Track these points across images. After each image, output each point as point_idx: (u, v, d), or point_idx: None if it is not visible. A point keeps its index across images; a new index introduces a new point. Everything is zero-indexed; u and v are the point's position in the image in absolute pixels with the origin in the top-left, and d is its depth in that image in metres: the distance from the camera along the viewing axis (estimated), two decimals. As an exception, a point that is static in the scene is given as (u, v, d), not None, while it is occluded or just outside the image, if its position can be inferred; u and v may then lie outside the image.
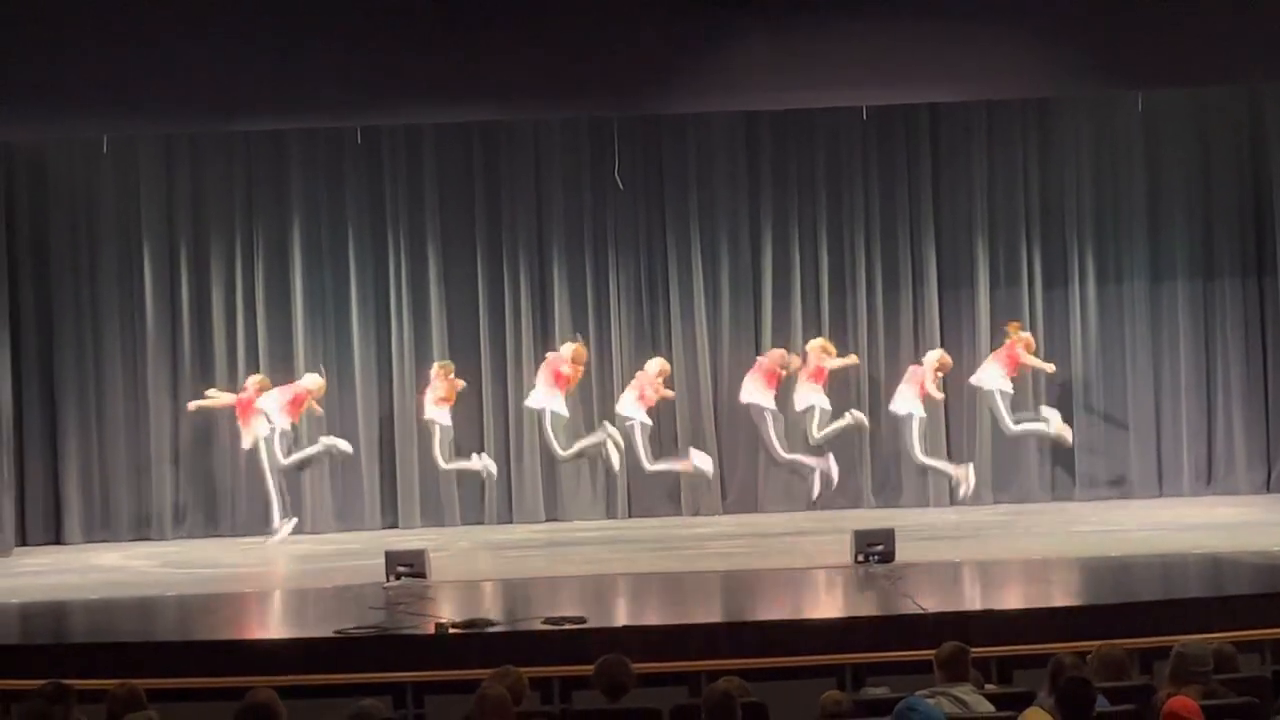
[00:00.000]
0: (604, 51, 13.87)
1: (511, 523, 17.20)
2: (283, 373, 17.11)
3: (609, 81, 14.10)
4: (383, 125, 16.65)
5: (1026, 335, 16.81)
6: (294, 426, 16.34)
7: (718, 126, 17.38)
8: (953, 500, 16.82)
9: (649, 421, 16.47)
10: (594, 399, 17.37)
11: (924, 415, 16.49)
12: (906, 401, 16.54)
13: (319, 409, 16.56)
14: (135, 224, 17.27)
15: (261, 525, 16.54)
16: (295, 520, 16.31)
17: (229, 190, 17.37)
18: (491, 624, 11.14)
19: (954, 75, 14.05)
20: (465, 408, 17.18)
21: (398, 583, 12.93)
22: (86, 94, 13.91)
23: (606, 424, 16.51)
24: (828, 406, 16.51)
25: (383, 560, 13.22)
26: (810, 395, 16.53)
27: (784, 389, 16.65)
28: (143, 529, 17.20)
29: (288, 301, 17.32)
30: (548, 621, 11.09)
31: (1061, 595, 12.22)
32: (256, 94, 13.93)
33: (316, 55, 13.79)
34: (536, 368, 17.05)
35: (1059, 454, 17.33)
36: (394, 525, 17.28)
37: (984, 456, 17.16)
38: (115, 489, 17.22)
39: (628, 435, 16.35)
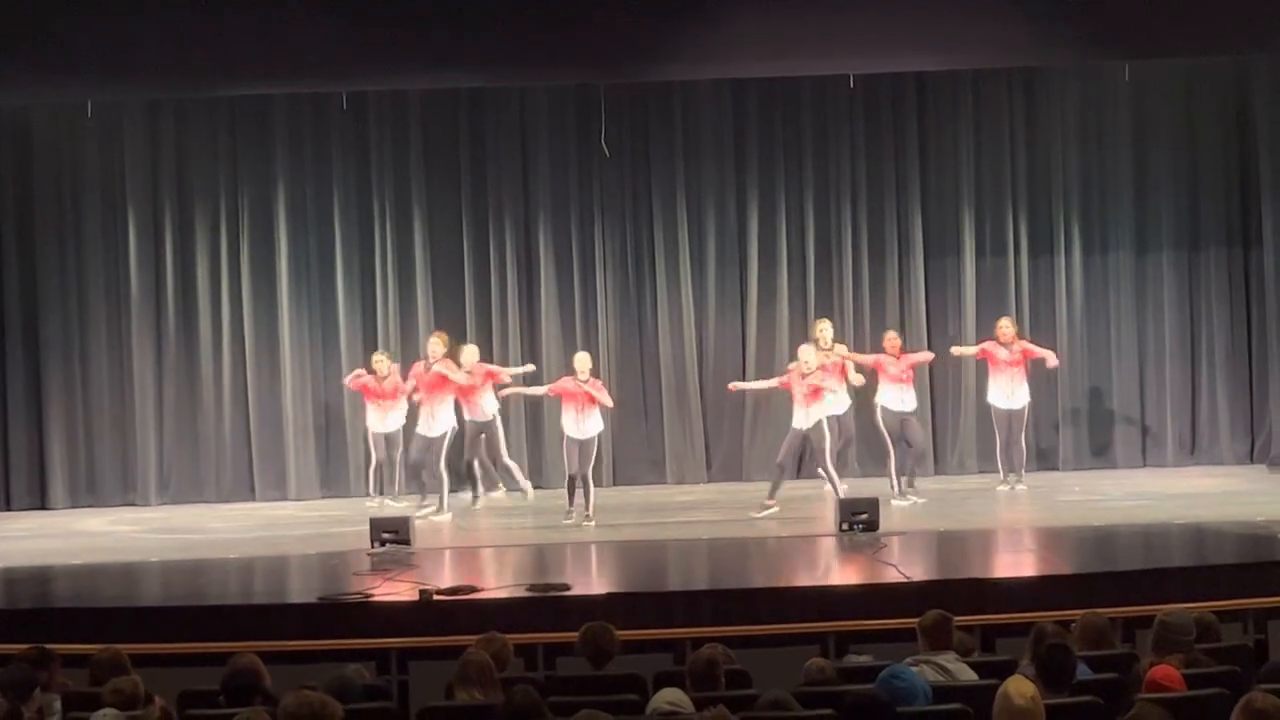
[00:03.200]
0: (591, 19, 13.81)
1: (497, 489, 17.17)
2: (267, 340, 17.12)
3: (596, 49, 14.04)
4: (369, 92, 16.59)
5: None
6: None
7: (704, 95, 17.34)
8: (938, 469, 16.84)
9: None
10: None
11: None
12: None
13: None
14: (120, 189, 17.21)
15: (245, 491, 16.56)
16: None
17: (214, 155, 17.30)
18: (475, 590, 11.16)
19: (941, 44, 14.01)
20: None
21: (382, 549, 12.95)
22: (70, 58, 13.83)
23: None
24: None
25: (367, 527, 13.24)
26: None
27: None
28: (127, 494, 17.18)
29: (272, 268, 17.27)
30: (532, 588, 11.11)
31: (1045, 564, 12.24)
32: (242, 58, 13.87)
33: (302, 20, 13.72)
34: (521, 334, 17.05)
35: (1043, 424, 17.36)
36: (379, 492, 17.23)
37: (968, 425, 17.18)
38: (100, 454, 17.20)
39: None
